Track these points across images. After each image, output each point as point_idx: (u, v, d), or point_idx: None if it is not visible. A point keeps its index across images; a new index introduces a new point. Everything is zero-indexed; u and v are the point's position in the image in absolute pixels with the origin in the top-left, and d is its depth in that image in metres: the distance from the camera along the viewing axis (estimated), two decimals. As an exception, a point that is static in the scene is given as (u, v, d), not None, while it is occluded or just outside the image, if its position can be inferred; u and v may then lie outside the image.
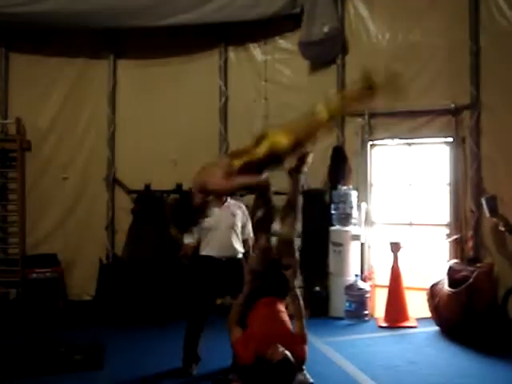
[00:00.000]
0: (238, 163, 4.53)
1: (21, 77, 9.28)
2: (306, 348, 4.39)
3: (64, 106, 9.34)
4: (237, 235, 5.95)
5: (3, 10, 8.59)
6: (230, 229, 5.89)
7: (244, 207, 6.17)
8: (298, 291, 4.82)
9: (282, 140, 4.52)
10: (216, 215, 5.73)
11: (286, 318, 4.56)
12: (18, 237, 9.09)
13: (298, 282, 8.04)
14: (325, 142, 8.30)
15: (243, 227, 6.00)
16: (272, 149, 4.51)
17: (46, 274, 8.72)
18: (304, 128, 4.65)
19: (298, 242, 8.21)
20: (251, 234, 6.01)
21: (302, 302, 4.69)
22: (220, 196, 5.41)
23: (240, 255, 5.94)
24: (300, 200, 4.98)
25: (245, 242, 6.02)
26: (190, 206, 4.56)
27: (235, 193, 5.10)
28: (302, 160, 4.85)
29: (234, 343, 4.42)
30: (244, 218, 6.02)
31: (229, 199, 6.01)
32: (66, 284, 9.02)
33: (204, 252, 5.97)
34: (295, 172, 4.90)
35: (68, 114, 9.34)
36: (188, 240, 6.06)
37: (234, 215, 5.93)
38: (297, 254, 4.93)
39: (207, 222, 5.75)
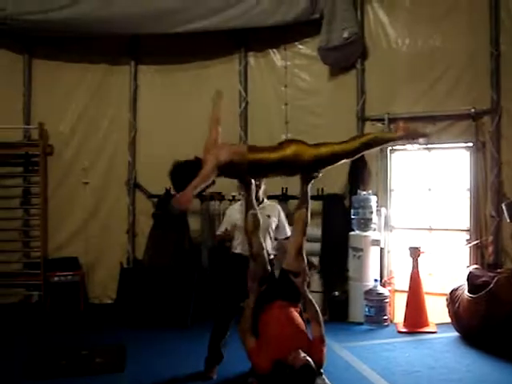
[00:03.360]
0: (252, 156, 4.65)
1: (43, 82, 9.41)
2: (325, 350, 4.41)
3: (86, 112, 9.46)
4: (270, 237, 5.98)
5: (26, 17, 8.71)
6: (265, 230, 5.79)
7: (280, 208, 6.27)
8: (311, 296, 4.83)
9: (310, 151, 4.68)
10: None
11: (300, 320, 4.57)
12: (40, 240, 9.18)
13: (316, 286, 8.18)
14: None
15: (277, 228, 6.03)
16: (296, 155, 4.64)
17: (68, 278, 8.84)
18: (332, 151, 4.74)
19: (317, 247, 8.31)
20: (288, 234, 6.03)
21: (316, 306, 4.70)
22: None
23: (271, 256, 5.93)
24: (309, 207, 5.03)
25: (282, 243, 6.02)
26: (192, 170, 4.60)
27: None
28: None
29: (249, 353, 4.42)
30: (278, 219, 6.06)
31: (265, 200, 6.10)
32: (87, 287, 9.13)
33: (236, 250, 6.11)
34: (305, 183, 4.96)
35: (89, 119, 9.47)
36: (219, 232, 6.33)
37: (269, 217, 5.95)
38: (305, 260, 4.93)
39: (240, 222, 5.94)
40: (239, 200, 6.72)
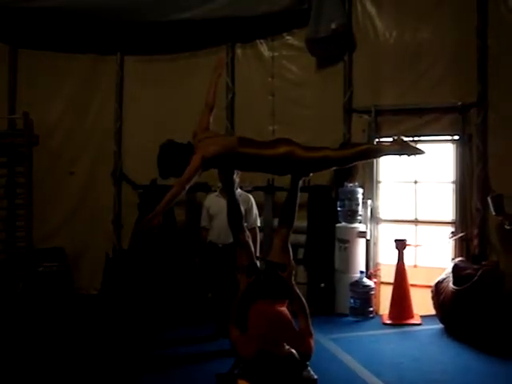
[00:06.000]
0: (243, 150, 4.64)
1: (28, 72, 9.35)
2: (312, 343, 4.43)
3: (71, 102, 9.42)
4: None
5: (12, 6, 8.63)
6: None
7: (251, 199, 6.66)
8: (297, 289, 4.84)
9: (302, 154, 4.69)
10: (219, 204, 6.30)
11: (289, 317, 4.57)
12: (25, 230, 9.12)
13: (301, 277, 8.20)
14: (331, 138, 8.32)
15: (244, 216, 6.05)
16: (288, 156, 4.66)
17: (53, 268, 8.79)
18: (325, 156, 4.79)
19: (303, 238, 8.31)
20: (258, 224, 6.65)
21: (303, 299, 4.72)
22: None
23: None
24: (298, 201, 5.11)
25: (250, 232, 6.03)
26: (182, 155, 4.73)
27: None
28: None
29: (234, 341, 4.45)
30: (246, 208, 6.25)
31: (238, 190, 6.20)
32: (73, 278, 9.08)
33: (209, 237, 6.63)
34: (295, 179, 5.00)
35: (75, 109, 9.42)
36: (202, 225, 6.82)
37: None
38: (291, 252, 4.96)
39: (212, 210, 6.56)
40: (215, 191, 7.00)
